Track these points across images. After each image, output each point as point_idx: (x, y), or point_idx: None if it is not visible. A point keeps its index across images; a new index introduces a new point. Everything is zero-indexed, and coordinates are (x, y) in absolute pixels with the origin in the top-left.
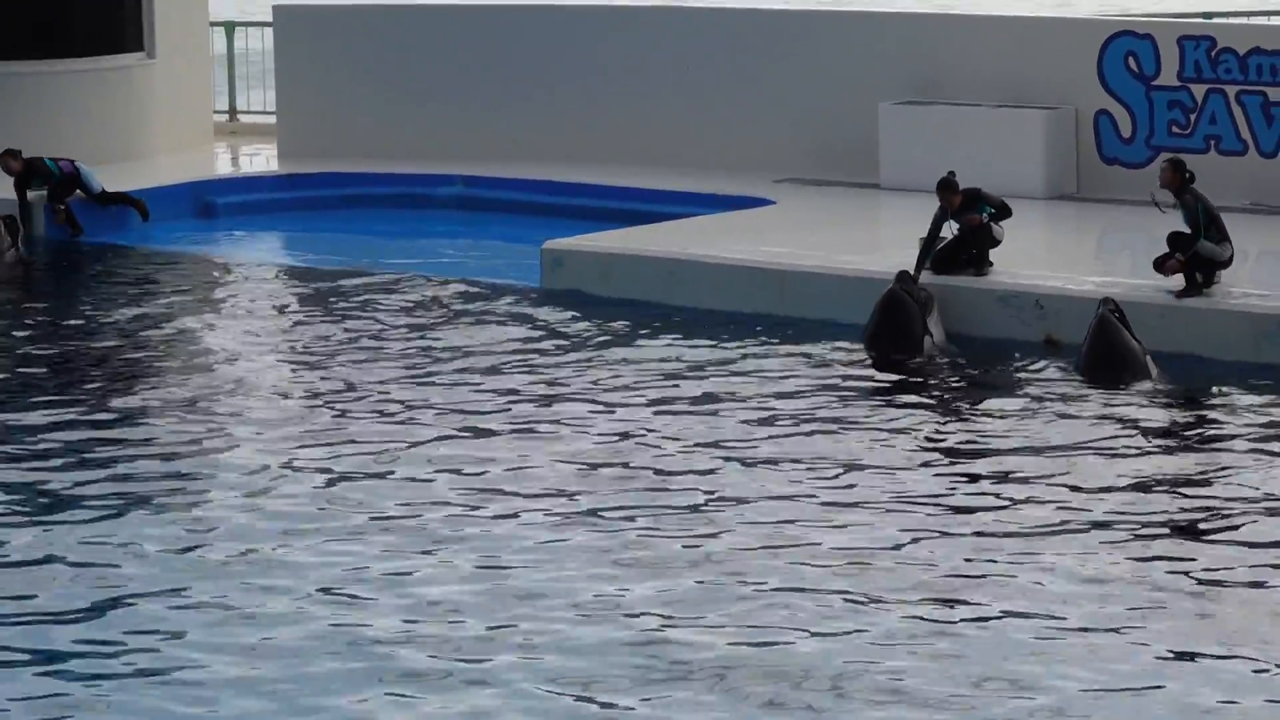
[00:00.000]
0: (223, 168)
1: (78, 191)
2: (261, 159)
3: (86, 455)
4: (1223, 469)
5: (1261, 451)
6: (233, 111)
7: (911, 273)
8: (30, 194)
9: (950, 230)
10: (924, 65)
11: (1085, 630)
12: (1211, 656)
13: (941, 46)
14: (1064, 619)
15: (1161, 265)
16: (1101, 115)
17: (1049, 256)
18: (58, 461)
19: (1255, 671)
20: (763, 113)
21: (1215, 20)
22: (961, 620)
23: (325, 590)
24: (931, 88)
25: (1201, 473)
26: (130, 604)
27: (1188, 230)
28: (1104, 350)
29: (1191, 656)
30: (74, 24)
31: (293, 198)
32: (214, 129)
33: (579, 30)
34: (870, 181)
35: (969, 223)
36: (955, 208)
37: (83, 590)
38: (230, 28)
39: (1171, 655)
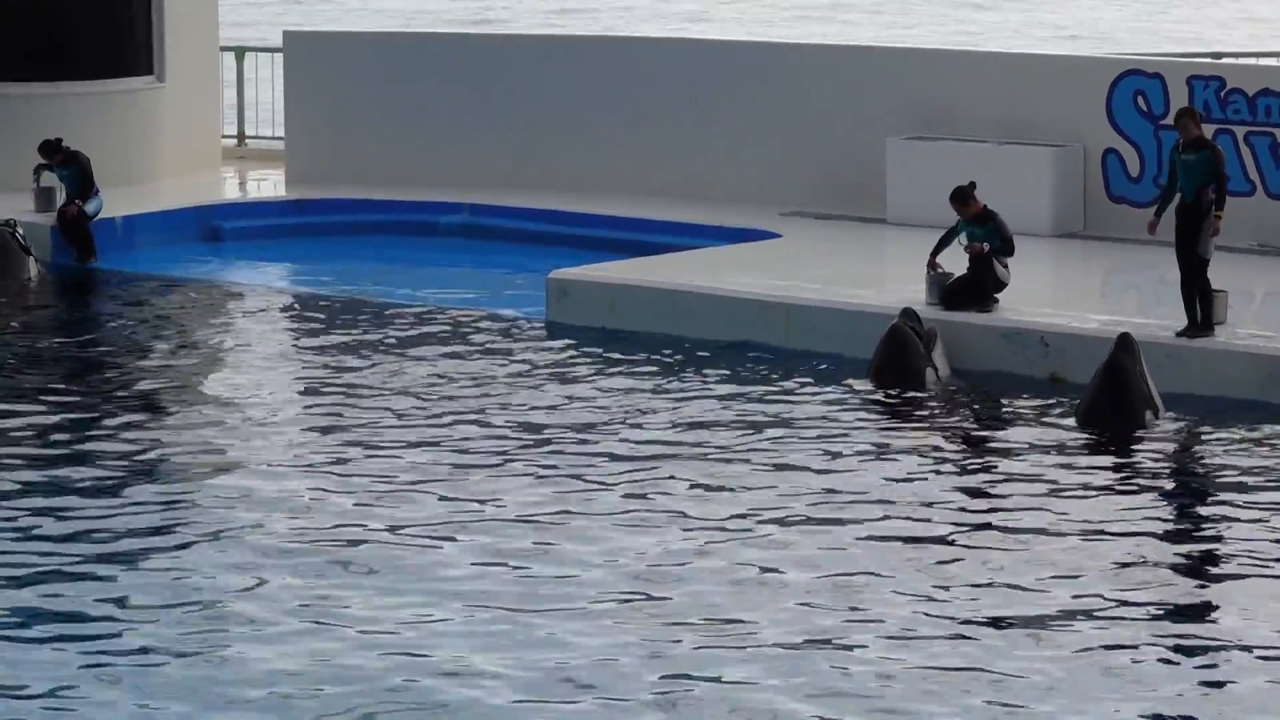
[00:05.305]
0: (230, 192)
1: (76, 201)
2: (269, 184)
3: (89, 482)
4: (1223, 512)
5: (1263, 492)
6: (241, 136)
7: (915, 310)
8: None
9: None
10: (932, 101)
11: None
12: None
13: (950, 83)
14: (1062, 657)
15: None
16: (1109, 154)
17: (1055, 294)
18: (59, 486)
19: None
20: (770, 146)
21: (1224, 61)
22: (973, 652)
23: (316, 623)
24: (939, 123)
25: (1200, 516)
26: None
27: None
28: (1106, 398)
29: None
30: (83, 47)
31: (299, 223)
32: (222, 153)
33: (588, 61)
34: (877, 216)
35: (971, 250)
36: (967, 219)
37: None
38: (240, 53)
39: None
